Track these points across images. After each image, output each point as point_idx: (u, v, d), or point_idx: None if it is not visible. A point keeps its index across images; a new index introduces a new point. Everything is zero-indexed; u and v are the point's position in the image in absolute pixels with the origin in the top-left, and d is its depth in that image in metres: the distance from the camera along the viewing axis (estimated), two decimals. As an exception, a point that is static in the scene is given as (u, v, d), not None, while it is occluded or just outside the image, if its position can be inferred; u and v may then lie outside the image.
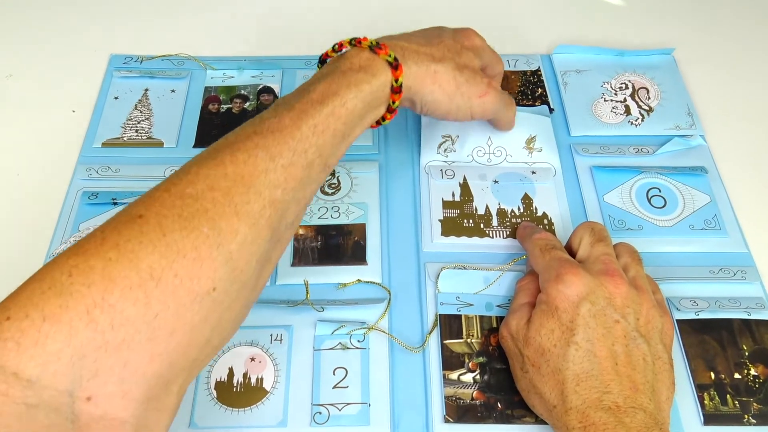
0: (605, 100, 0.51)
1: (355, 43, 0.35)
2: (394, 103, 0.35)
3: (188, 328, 0.25)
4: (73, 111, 0.50)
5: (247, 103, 0.51)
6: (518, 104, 0.50)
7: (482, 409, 0.36)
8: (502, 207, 0.44)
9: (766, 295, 0.40)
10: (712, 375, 0.37)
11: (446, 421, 0.36)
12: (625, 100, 0.51)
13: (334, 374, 0.37)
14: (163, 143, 0.48)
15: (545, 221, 0.44)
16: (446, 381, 0.37)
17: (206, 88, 0.51)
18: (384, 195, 0.45)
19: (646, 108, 0.50)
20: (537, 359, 0.33)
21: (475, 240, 0.43)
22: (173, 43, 0.55)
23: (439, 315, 0.39)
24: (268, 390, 0.37)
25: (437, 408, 0.36)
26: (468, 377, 0.37)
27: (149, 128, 0.49)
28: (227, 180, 0.28)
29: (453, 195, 0.45)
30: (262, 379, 0.37)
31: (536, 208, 0.44)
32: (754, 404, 0.36)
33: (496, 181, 0.46)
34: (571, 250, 0.38)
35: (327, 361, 0.38)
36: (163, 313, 0.24)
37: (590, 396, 0.31)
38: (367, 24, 0.56)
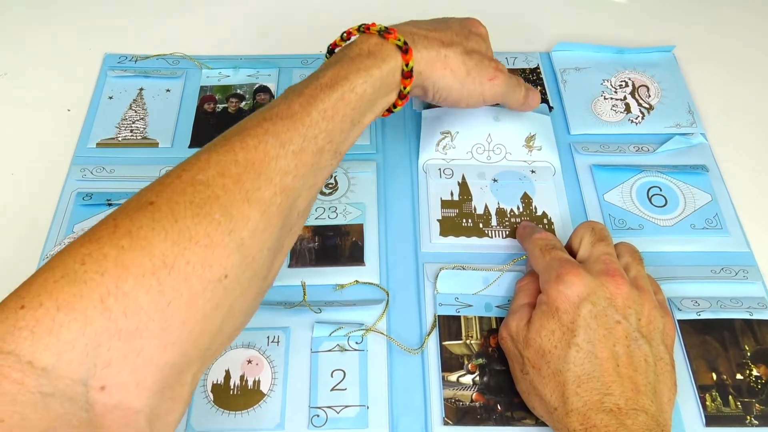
0: (605, 98, 0.50)
1: (363, 29, 0.35)
2: (405, 88, 0.35)
3: (200, 317, 0.25)
4: (69, 110, 0.50)
5: (243, 103, 0.50)
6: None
7: (482, 411, 0.36)
8: (501, 206, 0.44)
9: (768, 294, 0.40)
10: (714, 376, 0.37)
11: (445, 423, 0.35)
12: (625, 98, 0.50)
13: (331, 376, 0.37)
14: (158, 143, 0.47)
15: (545, 221, 0.43)
16: (445, 383, 0.37)
17: (202, 87, 0.51)
18: (382, 195, 0.45)
19: (647, 106, 0.50)
20: (537, 361, 0.33)
21: (474, 240, 0.42)
22: (168, 42, 0.54)
23: (438, 316, 0.39)
24: (265, 393, 0.36)
25: (436, 410, 0.36)
26: (467, 379, 0.37)
27: (144, 128, 0.48)
28: (238, 166, 0.27)
29: (452, 194, 0.45)
30: (259, 381, 0.37)
31: (536, 208, 0.44)
32: (757, 405, 0.36)
33: (495, 180, 0.45)
34: (571, 250, 0.38)
35: (325, 363, 0.37)
36: (176, 301, 0.24)
37: (591, 398, 0.31)
38: (365, 22, 0.55)
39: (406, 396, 0.36)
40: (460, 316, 0.39)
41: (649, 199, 0.44)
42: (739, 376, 0.37)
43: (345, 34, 0.36)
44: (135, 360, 0.24)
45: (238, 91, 0.51)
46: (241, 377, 0.37)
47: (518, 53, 0.53)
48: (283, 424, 0.35)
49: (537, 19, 0.57)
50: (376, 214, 0.44)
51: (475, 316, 0.39)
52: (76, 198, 0.44)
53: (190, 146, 0.47)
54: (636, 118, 0.49)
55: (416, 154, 0.47)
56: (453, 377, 0.37)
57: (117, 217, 0.26)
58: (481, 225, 0.43)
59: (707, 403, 0.36)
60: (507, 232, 0.43)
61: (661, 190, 0.45)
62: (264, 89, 0.51)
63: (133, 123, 0.49)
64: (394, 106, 0.36)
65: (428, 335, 0.38)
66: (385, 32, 0.34)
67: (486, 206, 0.44)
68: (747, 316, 0.39)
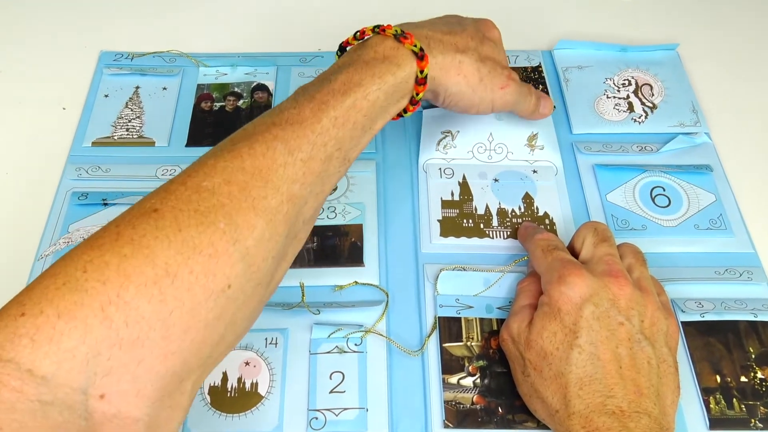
0: (608, 97, 0.50)
1: (378, 30, 0.34)
2: (417, 94, 0.34)
3: (202, 326, 0.25)
4: (64, 108, 0.49)
5: (241, 101, 0.50)
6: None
7: (483, 414, 0.35)
8: (502, 206, 0.44)
9: (772, 296, 0.40)
10: (718, 378, 0.37)
11: (446, 426, 0.35)
12: (628, 96, 0.50)
13: (330, 378, 0.36)
14: (154, 142, 0.47)
15: (547, 221, 0.43)
16: (446, 385, 0.36)
17: (199, 85, 0.50)
18: (381, 195, 0.44)
19: (650, 105, 0.49)
20: (539, 362, 0.33)
21: (475, 240, 0.42)
22: (164, 39, 0.54)
23: (438, 317, 0.38)
24: (263, 395, 0.36)
25: (436, 413, 0.35)
26: (468, 381, 0.36)
27: (140, 127, 0.48)
28: (245, 174, 0.27)
29: (452, 194, 0.44)
30: (256, 383, 0.36)
31: (537, 208, 0.44)
32: (761, 408, 0.36)
33: (496, 180, 0.45)
34: (573, 251, 0.38)
35: (323, 365, 0.37)
36: (178, 311, 0.24)
37: (594, 400, 0.31)
38: (364, 20, 0.55)
39: (405, 398, 0.36)
40: (460, 318, 0.38)
41: (653, 200, 0.44)
42: (743, 379, 0.36)
43: (358, 33, 0.35)
44: (135, 369, 0.23)
45: (236, 89, 0.50)
46: (239, 379, 0.36)
47: (520, 51, 0.53)
48: (282, 426, 0.35)
49: (539, 17, 0.57)
50: (375, 214, 0.43)
51: (475, 318, 0.39)
52: (71, 197, 0.44)
53: (187, 145, 0.47)
54: (639, 118, 0.48)
55: (416, 154, 0.46)
56: (453, 379, 0.36)
57: (120, 224, 0.25)
58: (482, 225, 0.43)
59: (711, 405, 0.36)
60: (508, 233, 0.42)
61: (664, 190, 0.44)
62: (262, 87, 0.50)
63: (129, 122, 0.48)
64: (405, 111, 0.35)
65: (428, 337, 0.38)
66: (401, 36, 0.33)
67: (487, 206, 0.44)
68: (751, 318, 0.38)
